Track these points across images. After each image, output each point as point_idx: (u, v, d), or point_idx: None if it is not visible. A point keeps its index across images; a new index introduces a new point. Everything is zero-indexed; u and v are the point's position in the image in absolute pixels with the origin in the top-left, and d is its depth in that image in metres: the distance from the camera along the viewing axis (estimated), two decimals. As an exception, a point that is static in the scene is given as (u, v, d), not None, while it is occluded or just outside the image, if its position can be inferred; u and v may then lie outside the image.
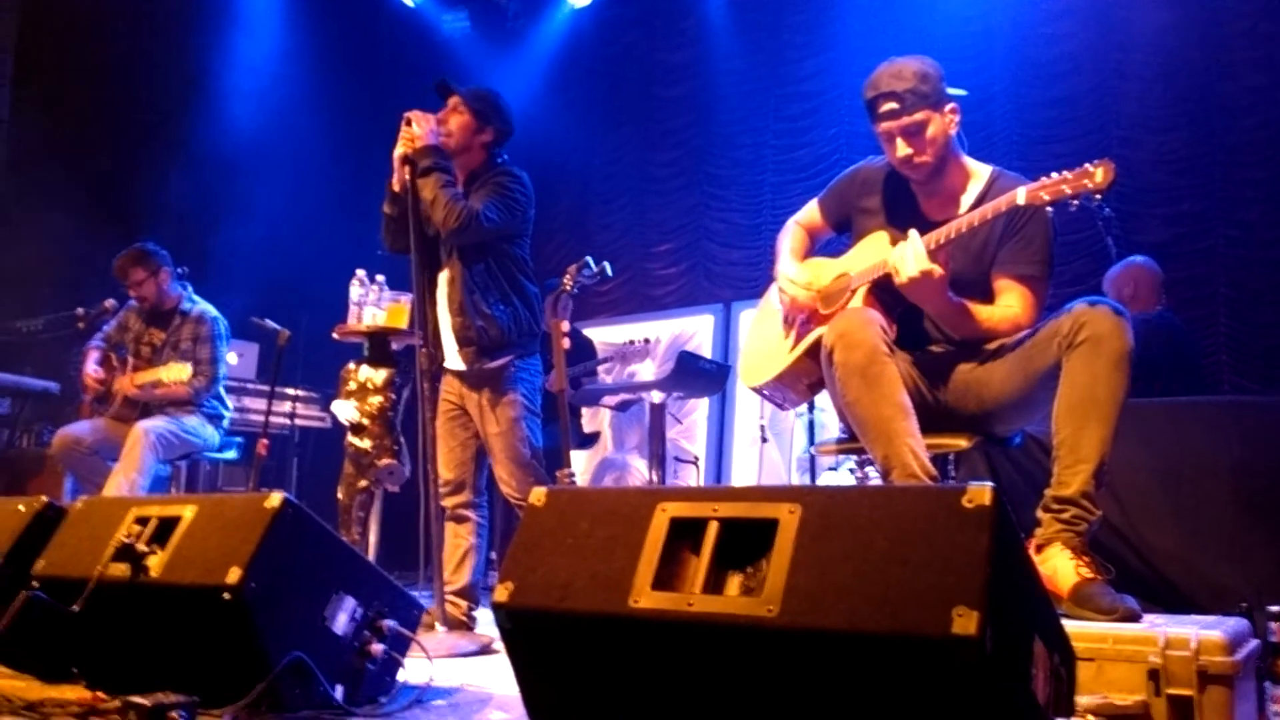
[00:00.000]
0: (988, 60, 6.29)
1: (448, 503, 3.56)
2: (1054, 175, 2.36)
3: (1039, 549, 2.28)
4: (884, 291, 2.66)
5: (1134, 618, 2.03)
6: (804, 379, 2.85)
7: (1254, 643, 1.94)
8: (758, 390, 3.02)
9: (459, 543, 3.58)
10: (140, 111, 6.51)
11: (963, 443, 2.65)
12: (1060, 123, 5.94)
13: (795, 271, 2.90)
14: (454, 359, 3.58)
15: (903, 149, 2.63)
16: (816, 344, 2.64)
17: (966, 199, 2.70)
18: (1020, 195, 2.38)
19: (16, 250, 5.72)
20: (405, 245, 3.53)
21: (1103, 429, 2.26)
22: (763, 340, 3.03)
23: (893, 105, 2.60)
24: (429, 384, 3.46)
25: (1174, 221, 5.53)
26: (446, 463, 3.58)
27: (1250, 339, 5.24)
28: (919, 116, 2.60)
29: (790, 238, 3.03)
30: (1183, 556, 3.17)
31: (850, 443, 2.80)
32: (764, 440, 6.04)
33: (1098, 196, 2.30)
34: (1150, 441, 3.24)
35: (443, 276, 3.59)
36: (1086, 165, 2.32)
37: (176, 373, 4.51)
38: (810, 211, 3.04)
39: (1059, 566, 2.21)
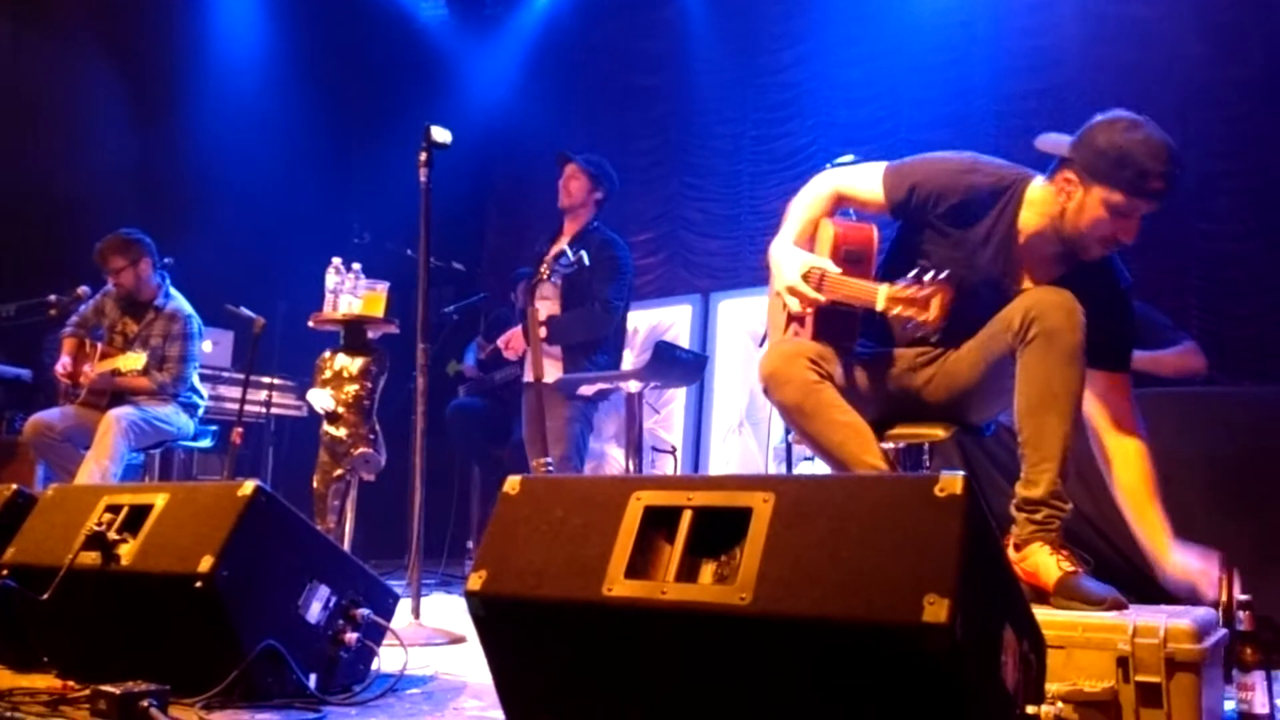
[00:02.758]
0: (967, 51, 6.29)
1: None
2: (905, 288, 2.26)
3: (1017, 548, 2.30)
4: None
5: (1122, 606, 2.05)
6: None
7: (1222, 631, 1.97)
8: None
9: None
10: (117, 95, 6.44)
11: (940, 433, 2.66)
12: (1037, 114, 5.94)
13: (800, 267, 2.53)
14: (551, 371, 4.17)
15: (1132, 235, 2.44)
16: None
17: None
18: (880, 301, 2.30)
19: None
20: None
21: (1063, 424, 2.27)
22: (773, 336, 2.83)
23: (1165, 189, 2.38)
24: (424, 379, 3.45)
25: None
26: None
27: (1222, 331, 5.27)
28: None
29: (808, 213, 2.64)
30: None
31: None
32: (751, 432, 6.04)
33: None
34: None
35: (544, 305, 4.27)
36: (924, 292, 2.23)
37: (131, 362, 4.47)
38: (869, 183, 2.60)
39: (1040, 563, 2.23)
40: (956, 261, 2.47)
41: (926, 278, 2.22)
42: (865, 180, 2.62)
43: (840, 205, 2.68)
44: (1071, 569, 2.19)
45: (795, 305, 2.55)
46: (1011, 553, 2.31)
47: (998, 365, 2.43)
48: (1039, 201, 2.48)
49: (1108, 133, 2.35)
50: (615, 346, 4.56)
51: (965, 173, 2.53)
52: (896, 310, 2.27)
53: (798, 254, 2.56)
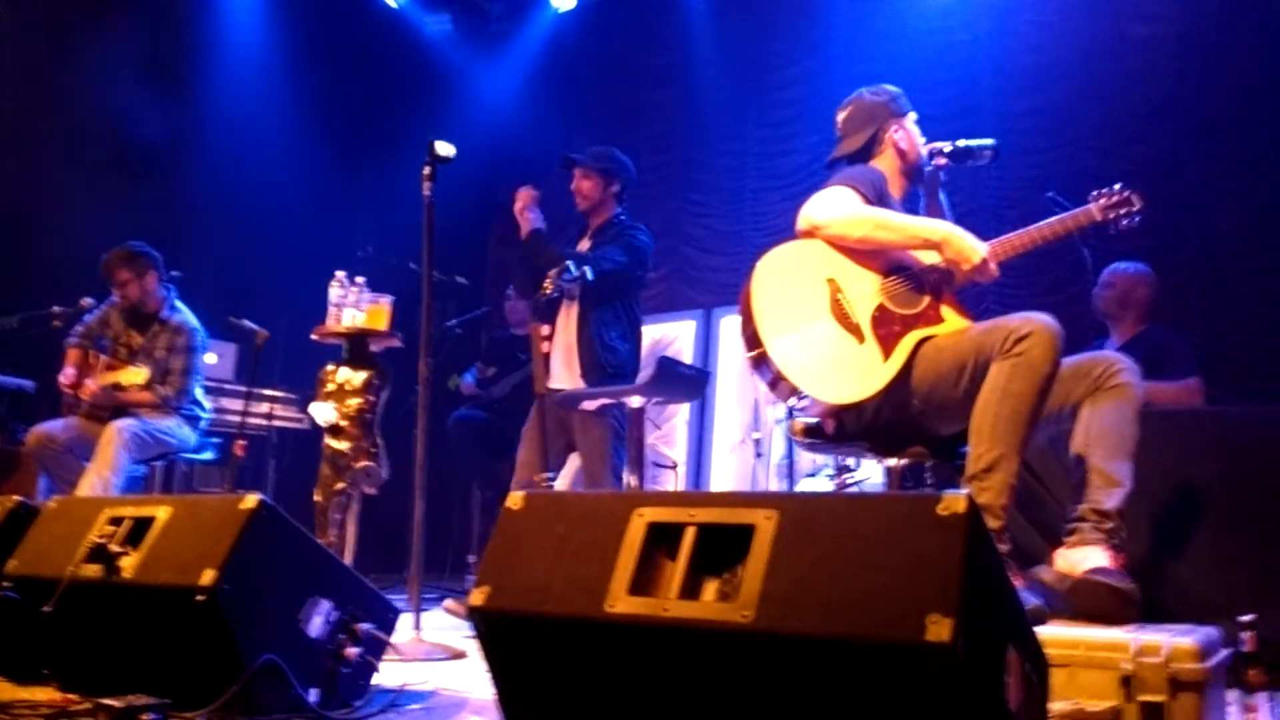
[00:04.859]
0: (971, 70, 6.32)
1: None
2: (1105, 195, 2.83)
3: (1069, 546, 2.39)
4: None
5: (1138, 597, 2.16)
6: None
7: (1225, 651, 1.96)
8: (840, 403, 2.75)
9: None
10: (119, 109, 6.46)
11: None
12: (1037, 133, 5.96)
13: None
14: (563, 379, 4.05)
15: None
16: (913, 353, 2.67)
17: None
18: (1096, 214, 2.82)
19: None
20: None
21: (1131, 463, 2.46)
22: (823, 345, 2.73)
23: None
24: (426, 393, 3.46)
25: (1149, 232, 5.52)
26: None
27: (1224, 350, 5.27)
28: None
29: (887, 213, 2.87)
30: (1158, 566, 3.19)
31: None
32: (758, 455, 6.03)
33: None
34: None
35: (565, 308, 4.14)
36: (1126, 193, 2.84)
37: (133, 376, 4.49)
38: (853, 197, 2.87)
39: (1091, 555, 2.32)
40: None
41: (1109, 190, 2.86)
42: (853, 197, 2.89)
43: None
44: (1118, 567, 2.30)
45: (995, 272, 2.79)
46: (1061, 553, 2.39)
47: (1055, 414, 2.58)
48: (887, 169, 3.04)
49: (871, 93, 3.12)
50: (628, 336, 4.23)
51: (867, 168, 3.04)
52: (1112, 215, 2.85)
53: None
